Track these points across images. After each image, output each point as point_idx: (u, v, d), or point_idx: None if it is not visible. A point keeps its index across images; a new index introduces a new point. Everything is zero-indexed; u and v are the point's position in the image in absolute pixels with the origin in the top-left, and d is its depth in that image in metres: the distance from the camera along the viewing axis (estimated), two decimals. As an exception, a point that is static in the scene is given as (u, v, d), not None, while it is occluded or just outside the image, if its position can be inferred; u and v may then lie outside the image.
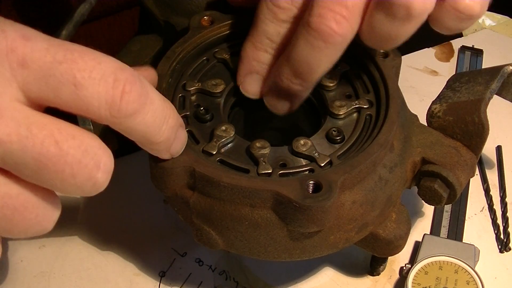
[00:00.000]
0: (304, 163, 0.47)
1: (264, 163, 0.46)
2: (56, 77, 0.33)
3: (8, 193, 0.35)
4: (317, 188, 0.43)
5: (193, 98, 0.51)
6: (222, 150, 0.47)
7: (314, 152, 0.47)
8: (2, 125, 0.32)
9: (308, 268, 0.58)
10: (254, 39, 0.50)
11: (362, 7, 0.45)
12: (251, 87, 0.51)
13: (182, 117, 0.49)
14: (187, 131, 0.48)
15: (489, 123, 0.52)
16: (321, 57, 0.46)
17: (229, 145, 0.48)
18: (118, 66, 0.35)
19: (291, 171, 0.46)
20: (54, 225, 0.39)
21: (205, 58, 0.55)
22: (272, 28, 0.48)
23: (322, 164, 0.46)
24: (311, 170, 0.46)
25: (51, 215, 0.38)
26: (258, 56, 0.50)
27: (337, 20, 0.44)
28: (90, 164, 0.35)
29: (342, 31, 0.44)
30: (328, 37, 0.44)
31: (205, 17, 0.56)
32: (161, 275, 0.58)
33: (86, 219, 0.62)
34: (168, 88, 0.51)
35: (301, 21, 0.46)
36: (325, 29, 0.44)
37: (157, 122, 0.38)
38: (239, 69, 0.51)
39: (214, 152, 0.47)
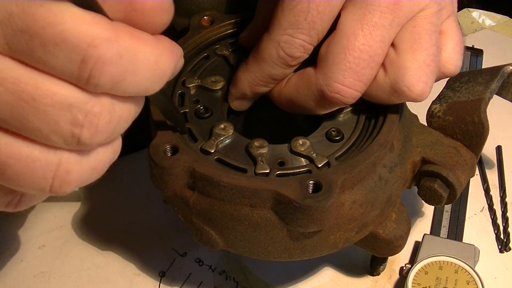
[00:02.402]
0: (302, 163, 0.47)
1: (262, 163, 0.46)
2: (18, 47, 0.31)
3: None
4: (317, 188, 0.43)
5: (192, 92, 0.52)
6: (221, 148, 0.47)
7: (312, 152, 0.47)
8: None
9: (308, 268, 0.58)
10: (256, 76, 0.49)
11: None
12: (241, 105, 0.52)
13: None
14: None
15: (489, 123, 0.52)
16: (323, 110, 0.48)
17: (227, 143, 0.48)
18: (90, 42, 0.30)
19: (288, 171, 0.46)
20: (71, 186, 0.34)
21: (205, 54, 0.55)
22: (279, 71, 0.48)
23: (320, 165, 0.46)
24: (308, 172, 0.46)
25: (53, 170, 0.33)
26: (255, 89, 0.50)
27: (353, 97, 0.45)
28: (72, 122, 0.32)
29: (354, 101, 0.46)
30: (339, 105, 0.47)
31: (205, 17, 0.57)
32: (161, 275, 0.58)
33: (86, 219, 0.62)
34: (168, 86, 0.51)
35: (311, 80, 0.47)
36: (340, 104, 0.46)
37: (143, 88, 0.34)
38: (232, 91, 0.52)
39: (212, 151, 0.47)
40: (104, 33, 0.31)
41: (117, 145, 0.36)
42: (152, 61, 0.33)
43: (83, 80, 0.31)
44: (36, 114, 0.31)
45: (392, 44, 0.45)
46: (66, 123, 0.32)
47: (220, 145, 0.47)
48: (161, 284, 0.57)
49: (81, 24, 0.30)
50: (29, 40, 0.30)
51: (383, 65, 0.45)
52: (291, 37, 0.45)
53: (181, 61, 0.36)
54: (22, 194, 0.37)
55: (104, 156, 0.35)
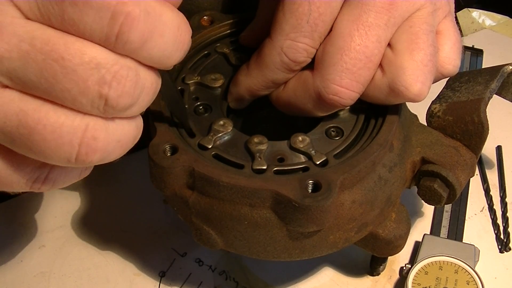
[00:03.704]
0: (301, 160, 0.47)
1: (259, 159, 0.46)
2: (50, 9, 0.32)
3: (23, 110, 0.33)
4: (317, 187, 0.43)
5: (192, 89, 0.52)
6: (219, 144, 0.47)
7: (311, 149, 0.47)
8: (2, 41, 0.31)
9: (308, 268, 0.58)
10: (258, 81, 0.49)
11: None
12: (240, 105, 0.53)
13: None
14: None
15: (489, 123, 0.52)
16: (322, 113, 0.48)
17: (226, 140, 0.48)
18: (119, 0, 0.31)
19: (285, 168, 0.46)
20: (97, 156, 0.35)
21: (206, 52, 0.55)
22: (281, 76, 0.48)
23: (317, 163, 0.46)
24: (305, 169, 0.46)
25: (79, 136, 0.34)
26: (256, 93, 0.51)
27: (352, 98, 0.45)
28: (100, 82, 0.32)
29: (352, 102, 0.46)
30: (338, 107, 0.46)
31: (204, 17, 0.57)
32: (161, 275, 0.58)
33: (86, 219, 0.62)
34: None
35: (308, 83, 0.46)
36: (339, 105, 0.46)
37: (167, 53, 0.35)
38: (232, 91, 0.52)
39: (210, 146, 0.47)
40: None
41: (140, 122, 0.37)
42: (176, 25, 0.34)
43: (113, 37, 0.32)
44: (65, 73, 0.32)
45: (389, 45, 0.45)
46: (94, 83, 0.32)
47: (219, 141, 0.47)
48: (161, 284, 0.57)
49: None
50: (59, 1, 0.31)
51: (380, 65, 0.45)
52: (294, 42, 0.45)
53: (190, 42, 0.37)
54: (49, 171, 0.37)
55: (129, 130, 0.36)
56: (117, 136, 0.35)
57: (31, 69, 0.32)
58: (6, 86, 0.33)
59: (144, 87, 0.35)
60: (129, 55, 0.33)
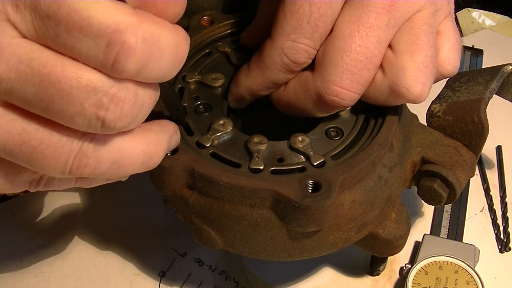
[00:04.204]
0: (300, 160, 0.47)
1: (257, 159, 0.46)
2: (45, 32, 0.32)
3: (25, 129, 0.33)
4: (316, 187, 0.43)
5: (192, 87, 0.52)
6: (219, 144, 0.47)
7: (309, 150, 0.47)
8: (1, 61, 0.32)
9: (308, 268, 0.58)
10: (258, 82, 0.49)
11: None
12: (241, 105, 0.53)
13: None
14: None
15: (489, 123, 0.52)
16: (322, 113, 0.48)
17: (226, 139, 0.48)
18: (115, 27, 0.31)
19: (282, 168, 0.46)
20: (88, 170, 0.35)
21: (207, 51, 0.55)
22: (282, 77, 0.48)
23: (315, 163, 0.46)
24: (302, 169, 0.46)
25: (78, 152, 0.35)
26: (256, 93, 0.51)
27: (352, 99, 0.45)
28: (97, 105, 0.33)
29: (353, 103, 0.46)
30: (338, 108, 0.47)
31: (204, 17, 0.57)
32: (161, 275, 0.58)
33: (86, 219, 0.62)
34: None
35: (309, 84, 0.46)
36: (339, 106, 0.46)
37: (164, 73, 0.35)
38: (233, 91, 0.52)
39: (208, 145, 0.47)
40: (128, 19, 0.31)
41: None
42: (173, 46, 0.34)
43: (108, 65, 0.32)
44: (61, 96, 0.32)
45: (390, 46, 0.45)
46: (91, 106, 0.32)
47: (218, 141, 0.47)
48: (161, 284, 0.57)
49: (105, 10, 0.31)
50: (54, 26, 0.31)
51: (381, 66, 0.45)
52: (295, 43, 0.45)
53: (188, 50, 0.37)
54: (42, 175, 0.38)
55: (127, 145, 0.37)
56: (113, 156, 0.36)
57: (29, 90, 0.32)
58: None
59: (144, 103, 0.35)
60: (127, 78, 0.33)
